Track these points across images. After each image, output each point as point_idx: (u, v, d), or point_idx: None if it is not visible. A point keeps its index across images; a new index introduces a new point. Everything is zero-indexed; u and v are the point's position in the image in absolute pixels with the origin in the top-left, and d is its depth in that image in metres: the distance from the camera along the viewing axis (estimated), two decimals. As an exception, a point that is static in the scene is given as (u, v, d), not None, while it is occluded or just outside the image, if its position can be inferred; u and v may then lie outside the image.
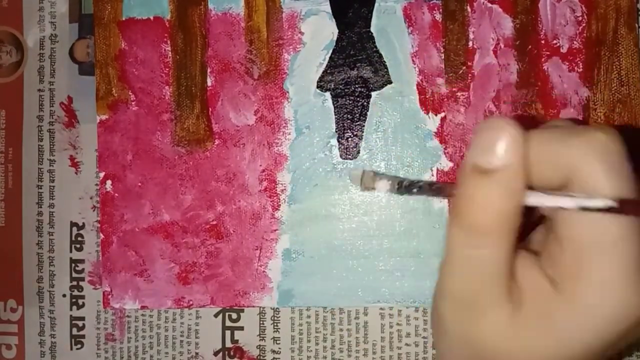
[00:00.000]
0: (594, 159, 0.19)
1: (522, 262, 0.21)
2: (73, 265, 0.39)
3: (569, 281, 0.20)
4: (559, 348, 0.20)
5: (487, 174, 0.19)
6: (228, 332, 0.38)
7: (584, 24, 0.36)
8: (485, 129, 0.19)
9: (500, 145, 0.19)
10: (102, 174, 0.38)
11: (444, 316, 0.22)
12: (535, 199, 0.20)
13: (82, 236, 0.39)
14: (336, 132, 0.37)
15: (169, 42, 0.38)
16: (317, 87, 0.37)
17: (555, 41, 0.36)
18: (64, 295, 0.39)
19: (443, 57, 0.37)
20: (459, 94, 0.37)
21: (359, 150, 0.37)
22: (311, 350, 0.38)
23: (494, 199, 0.19)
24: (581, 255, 0.20)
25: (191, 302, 0.38)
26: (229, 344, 0.38)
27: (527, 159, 0.19)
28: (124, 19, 0.38)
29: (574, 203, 0.19)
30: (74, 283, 0.39)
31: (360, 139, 0.37)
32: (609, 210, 0.19)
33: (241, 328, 0.38)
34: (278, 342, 0.38)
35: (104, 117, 0.38)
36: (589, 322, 0.20)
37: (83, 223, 0.39)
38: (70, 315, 0.39)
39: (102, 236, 0.38)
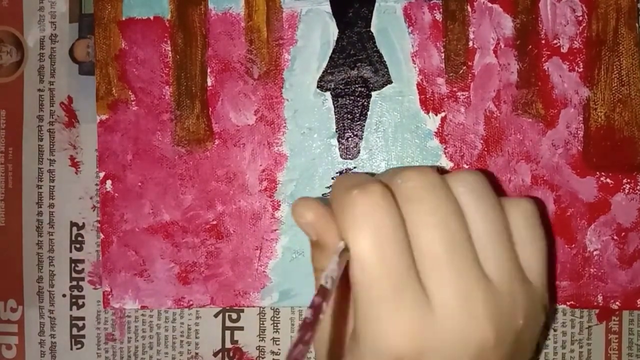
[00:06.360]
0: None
1: None
2: (73, 265, 0.39)
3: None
4: None
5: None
6: (228, 333, 0.38)
7: (584, 24, 0.36)
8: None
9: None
10: (102, 174, 0.38)
11: None
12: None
13: (82, 236, 0.39)
14: (336, 132, 0.37)
15: (169, 42, 0.38)
16: (317, 87, 0.37)
17: (555, 41, 0.36)
18: (64, 295, 0.39)
19: (443, 57, 0.37)
20: (459, 93, 0.37)
21: (359, 150, 0.37)
22: (311, 351, 0.38)
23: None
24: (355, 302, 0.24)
25: (191, 302, 0.38)
26: (228, 345, 0.38)
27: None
28: (124, 18, 0.38)
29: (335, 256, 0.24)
30: (74, 283, 0.39)
31: (361, 138, 0.37)
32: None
33: (241, 328, 0.38)
34: (278, 342, 0.38)
35: (104, 117, 0.38)
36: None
37: (83, 223, 0.39)
38: (70, 315, 0.39)
39: (102, 236, 0.38)
